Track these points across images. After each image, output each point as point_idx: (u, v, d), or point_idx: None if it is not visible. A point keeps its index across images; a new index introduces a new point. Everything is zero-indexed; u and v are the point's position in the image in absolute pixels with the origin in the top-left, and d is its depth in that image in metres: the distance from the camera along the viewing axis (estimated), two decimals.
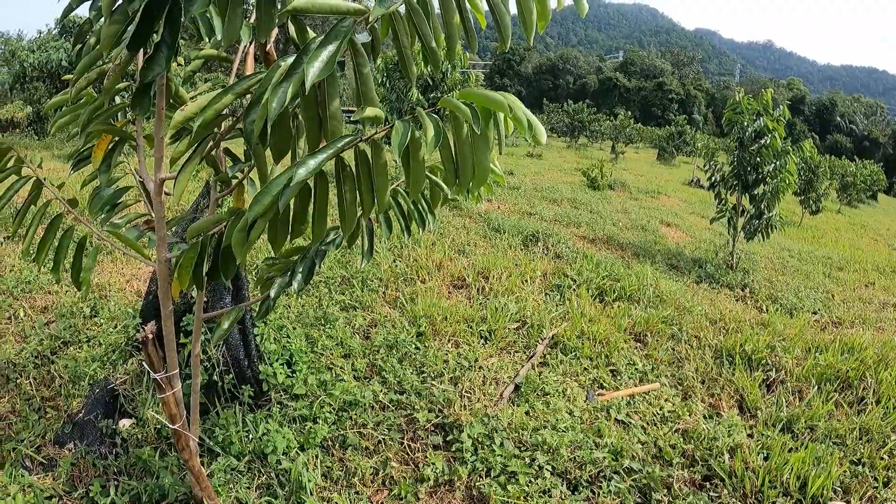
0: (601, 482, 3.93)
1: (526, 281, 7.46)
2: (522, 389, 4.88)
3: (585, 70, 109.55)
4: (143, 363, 4.47)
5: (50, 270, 2.56)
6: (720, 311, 7.41)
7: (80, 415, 4.21)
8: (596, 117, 44.85)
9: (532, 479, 3.86)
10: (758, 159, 9.93)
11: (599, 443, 4.28)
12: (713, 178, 10.78)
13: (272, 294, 2.31)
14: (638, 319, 6.54)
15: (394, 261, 7.69)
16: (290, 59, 1.69)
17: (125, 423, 4.20)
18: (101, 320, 5.80)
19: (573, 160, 30.24)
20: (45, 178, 2.64)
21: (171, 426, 2.67)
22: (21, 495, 3.48)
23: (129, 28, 1.78)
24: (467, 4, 1.96)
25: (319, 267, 2.33)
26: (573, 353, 5.65)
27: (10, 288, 6.60)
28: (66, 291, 6.56)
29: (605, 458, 4.10)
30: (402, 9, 1.85)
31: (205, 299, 4.12)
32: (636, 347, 6.09)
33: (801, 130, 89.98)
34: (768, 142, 9.74)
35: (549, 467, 3.97)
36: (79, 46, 2.37)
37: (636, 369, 5.56)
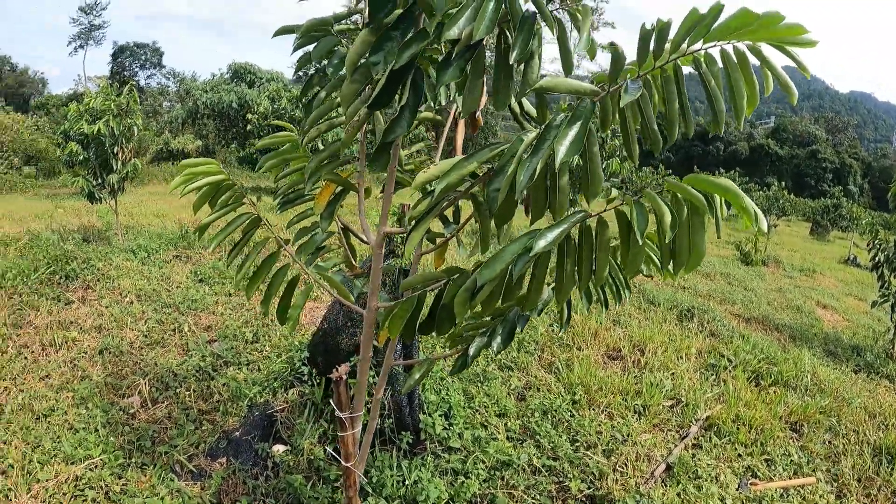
0: None
1: (681, 357, 7.25)
2: (675, 470, 4.71)
3: (736, 136, 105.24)
4: (302, 394, 4.69)
5: (260, 303, 2.69)
6: (880, 404, 6.86)
7: (237, 433, 4.46)
8: (747, 187, 43.07)
9: None
10: None
11: None
12: (876, 258, 9.99)
13: (471, 353, 2.36)
14: (794, 408, 6.18)
15: (550, 325, 7.69)
16: (532, 135, 1.74)
17: (279, 449, 4.39)
18: (262, 346, 6.12)
19: (725, 232, 29.23)
20: (264, 218, 2.81)
21: (345, 463, 2.75)
22: (169, 498, 3.77)
23: (375, 88, 1.90)
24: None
25: (521, 331, 2.36)
26: (727, 438, 5.40)
27: (176, 303, 7.20)
28: (231, 314, 6.98)
29: None
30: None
31: (376, 344, 4.30)
32: (791, 437, 5.73)
33: None
34: None
35: None
36: (307, 97, 2.54)
37: (791, 461, 5.24)
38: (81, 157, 10.52)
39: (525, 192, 1.77)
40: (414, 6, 1.90)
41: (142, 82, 71.79)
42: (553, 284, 1.96)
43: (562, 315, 2.46)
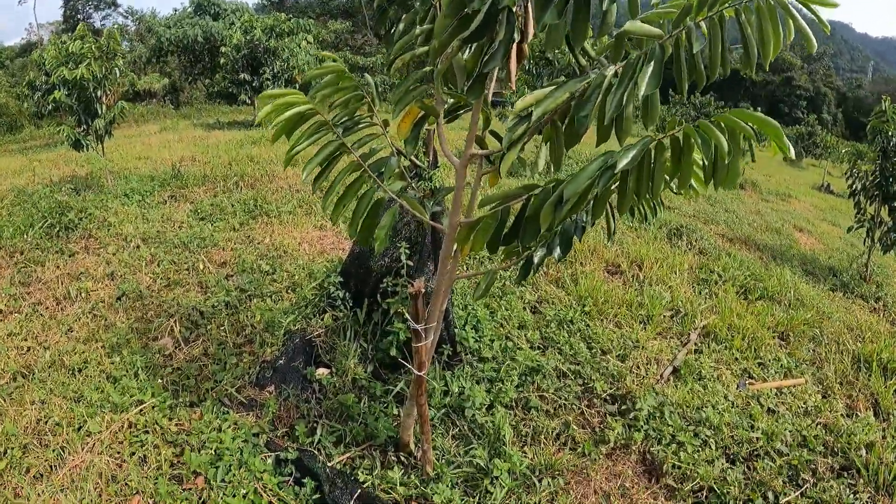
0: (756, 459, 4.32)
1: (675, 272, 7.70)
2: (681, 372, 5.25)
3: None
4: (337, 318, 5.01)
5: (347, 226, 2.80)
6: (857, 319, 7.46)
7: (281, 361, 4.70)
8: (723, 111, 42.86)
9: (699, 450, 4.26)
10: None
11: (754, 426, 4.64)
12: (854, 186, 10.44)
13: (535, 261, 2.70)
14: (781, 319, 6.71)
15: None
16: (611, 70, 2.04)
17: (322, 372, 4.69)
18: (280, 278, 6.26)
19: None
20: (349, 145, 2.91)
21: (417, 372, 3.09)
22: (230, 430, 3.96)
23: (472, 24, 2.14)
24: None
25: (580, 241, 2.70)
26: (724, 344, 5.94)
27: (185, 242, 7.16)
28: (243, 248, 7.10)
29: (759, 438, 4.47)
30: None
31: (410, 264, 4.60)
32: (780, 345, 6.28)
33: None
34: None
35: (713, 441, 4.36)
36: (384, 29, 2.75)
37: (781, 365, 5.78)
38: (62, 105, 10.25)
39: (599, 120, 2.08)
40: None
41: (97, 24, 68.28)
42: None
43: (609, 227, 2.81)
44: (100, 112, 10.42)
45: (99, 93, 10.32)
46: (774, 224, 13.06)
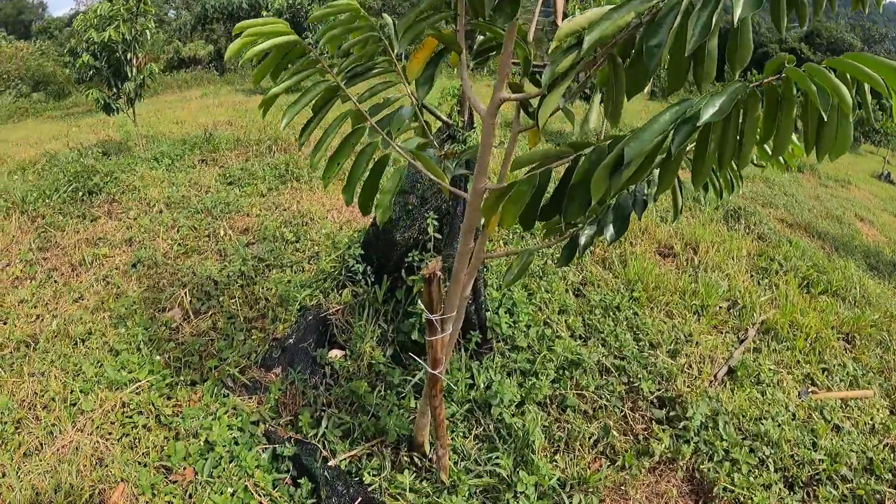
0: (817, 485, 3.79)
1: (732, 258, 7.09)
2: (738, 373, 4.69)
3: (766, 38, 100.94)
4: (356, 294, 4.55)
5: (342, 190, 2.21)
6: None
7: (291, 340, 4.27)
8: None
9: (754, 470, 3.75)
10: None
11: (816, 444, 4.11)
12: None
13: (582, 242, 2.18)
14: (846, 318, 6.06)
15: None
16: None
17: (336, 354, 4.24)
18: (304, 247, 5.88)
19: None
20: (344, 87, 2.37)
21: (431, 370, 2.61)
22: (226, 417, 3.59)
23: None
24: None
25: (640, 218, 2.19)
26: (785, 344, 5.35)
27: (208, 208, 6.85)
28: (267, 215, 6.74)
29: (822, 461, 3.94)
30: None
31: (438, 237, 4.11)
32: (845, 348, 5.66)
33: None
34: None
35: (772, 461, 3.84)
36: None
37: (847, 372, 5.18)
38: (93, 69, 10.05)
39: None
40: None
41: None
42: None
43: (676, 203, 2.27)
44: (129, 75, 10.17)
45: (129, 55, 10.04)
46: (835, 211, 12.21)
